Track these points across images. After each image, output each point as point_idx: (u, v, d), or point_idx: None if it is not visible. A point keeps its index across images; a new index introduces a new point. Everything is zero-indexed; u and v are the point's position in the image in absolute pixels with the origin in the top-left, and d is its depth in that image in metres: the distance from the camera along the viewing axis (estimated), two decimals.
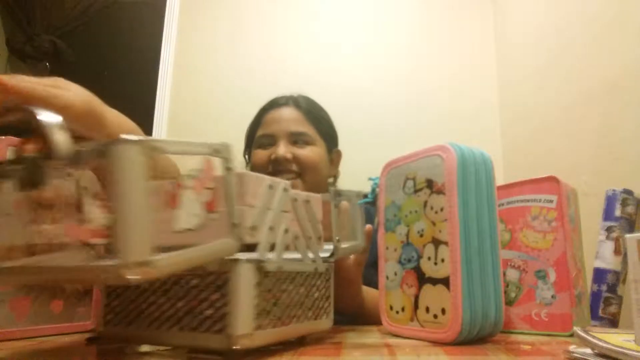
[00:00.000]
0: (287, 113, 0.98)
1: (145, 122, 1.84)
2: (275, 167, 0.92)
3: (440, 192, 0.46)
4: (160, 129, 1.80)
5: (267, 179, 0.40)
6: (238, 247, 0.34)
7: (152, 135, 1.81)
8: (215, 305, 0.34)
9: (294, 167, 0.92)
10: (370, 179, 0.59)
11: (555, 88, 1.32)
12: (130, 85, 2.62)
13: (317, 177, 0.94)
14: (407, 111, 1.77)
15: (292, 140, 0.95)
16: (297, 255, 0.42)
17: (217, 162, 0.35)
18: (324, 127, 1.00)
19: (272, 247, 0.38)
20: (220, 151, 0.35)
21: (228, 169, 0.35)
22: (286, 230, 0.40)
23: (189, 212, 0.34)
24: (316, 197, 0.47)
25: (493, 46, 1.83)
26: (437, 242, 0.45)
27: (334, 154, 1.04)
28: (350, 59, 1.82)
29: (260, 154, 0.95)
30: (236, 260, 0.34)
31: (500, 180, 0.50)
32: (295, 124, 0.96)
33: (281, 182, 0.41)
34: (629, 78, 1.00)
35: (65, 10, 2.42)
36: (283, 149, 0.92)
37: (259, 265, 0.35)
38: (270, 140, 0.96)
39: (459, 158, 0.45)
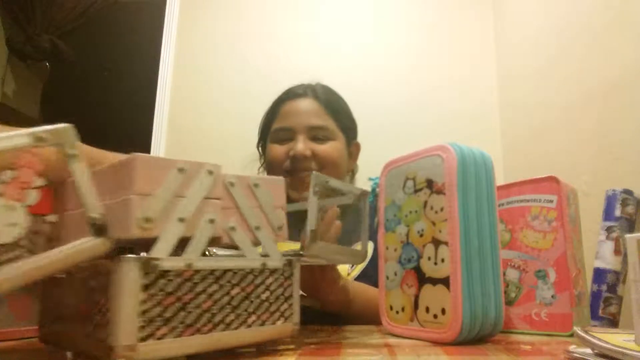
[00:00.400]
0: (305, 105, 0.92)
1: (145, 122, 1.84)
2: (293, 164, 0.88)
3: (440, 192, 0.46)
4: (160, 128, 1.80)
5: (179, 162, 0.33)
6: (108, 243, 0.29)
7: (152, 136, 1.81)
8: (102, 310, 0.30)
9: (313, 165, 0.88)
10: (370, 179, 0.59)
11: (555, 88, 1.32)
12: (130, 85, 2.62)
13: (336, 174, 0.89)
14: (407, 111, 1.77)
15: (311, 135, 0.89)
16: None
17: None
18: (343, 119, 0.95)
19: (186, 242, 0.33)
20: (46, 139, 0.28)
21: (70, 156, 0.29)
22: (211, 221, 0.34)
23: (1, 223, 0.28)
24: (273, 181, 0.40)
25: (493, 46, 1.83)
26: (437, 242, 0.45)
27: (353, 147, 0.99)
28: (350, 59, 1.82)
29: (277, 150, 0.90)
30: (118, 259, 0.29)
31: (500, 180, 0.50)
32: (314, 117, 0.90)
33: (205, 165, 0.34)
34: (629, 78, 1.00)
35: (65, 10, 2.42)
36: (302, 146, 0.87)
37: (149, 263, 0.30)
38: (288, 135, 0.90)
39: (459, 158, 0.45)
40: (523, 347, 0.43)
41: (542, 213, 0.54)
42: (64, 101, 2.82)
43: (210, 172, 0.35)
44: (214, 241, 0.35)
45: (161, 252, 0.31)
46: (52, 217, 0.31)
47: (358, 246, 0.82)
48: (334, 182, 0.45)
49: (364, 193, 0.49)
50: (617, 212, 0.81)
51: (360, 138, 1.01)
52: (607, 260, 0.80)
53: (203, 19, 1.90)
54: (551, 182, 0.55)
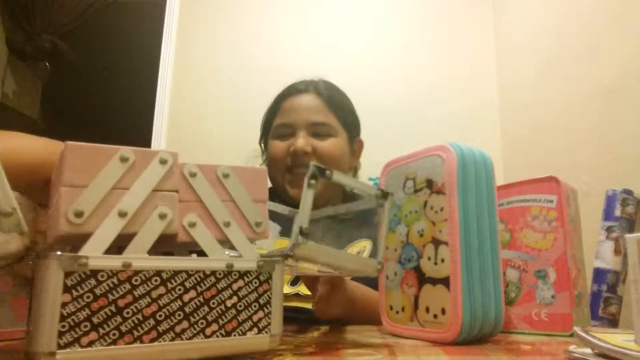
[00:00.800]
0: (307, 101, 0.92)
1: (145, 122, 1.84)
2: (294, 161, 0.87)
3: (440, 192, 0.46)
4: (160, 129, 1.80)
5: (122, 150, 0.30)
6: (22, 240, 0.27)
7: (152, 136, 1.81)
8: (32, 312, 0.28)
9: (313, 162, 0.87)
10: (370, 179, 0.59)
11: (555, 88, 1.32)
12: (130, 86, 2.62)
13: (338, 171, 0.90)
14: (407, 111, 1.77)
15: (312, 132, 0.89)
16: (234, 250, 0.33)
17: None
18: (345, 116, 0.94)
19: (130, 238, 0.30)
20: None
21: None
22: (162, 216, 0.30)
23: None
24: (250, 171, 0.35)
25: (493, 46, 1.83)
26: (437, 242, 0.45)
27: (355, 143, 0.98)
28: (350, 59, 1.82)
29: (278, 146, 0.90)
30: (40, 257, 0.27)
31: (500, 180, 0.50)
32: (315, 113, 0.90)
33: (158, 153, 0.31)
34: (629, 78, 1.00)
35: (65, 10, 2.42)
36: (302, 142, 0.86)
37: (74, 261, 0.27)
38: (289, 131, 0.90)
39: (459, 158, 0.45)
40: (523, 347, 0.43)
41: (542, 213, 0.54)
42: (64, 101, 2.82)
43: (164, 161, 0.31)
44: (169, 239, 0.31)
45: (94, 249, 0.28)
46: None
47: (355, 246, 0.82)
48: (338, 176, 0.39)
49: (380, 194, 0.42)
50: (617, 212, 0.81)
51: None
52: (607, 260, 0.80)
53: (203, 19, 1.90)
54: (551, 182, 0.55)
